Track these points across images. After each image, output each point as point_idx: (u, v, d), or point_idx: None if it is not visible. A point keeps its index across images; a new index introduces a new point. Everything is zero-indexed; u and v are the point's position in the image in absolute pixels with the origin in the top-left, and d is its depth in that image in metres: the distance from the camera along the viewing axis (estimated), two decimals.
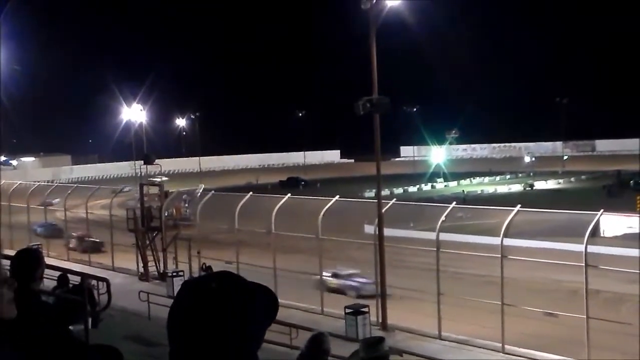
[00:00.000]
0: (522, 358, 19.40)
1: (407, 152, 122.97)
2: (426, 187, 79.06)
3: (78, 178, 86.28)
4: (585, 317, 18.75)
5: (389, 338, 19.48)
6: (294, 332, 19.34)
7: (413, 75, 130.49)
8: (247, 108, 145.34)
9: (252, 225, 29.86)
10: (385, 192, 48.21)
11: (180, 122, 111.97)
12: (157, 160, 37.78)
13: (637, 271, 23.04)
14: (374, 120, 23.87)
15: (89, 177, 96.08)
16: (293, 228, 28.42)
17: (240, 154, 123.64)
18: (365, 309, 21.91)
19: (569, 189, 73.40)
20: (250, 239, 30.60)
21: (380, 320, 22.75)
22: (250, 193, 30.00)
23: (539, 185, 77.26)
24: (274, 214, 27.12)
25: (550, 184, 78.79)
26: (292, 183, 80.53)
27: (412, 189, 76.54)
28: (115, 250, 33.61)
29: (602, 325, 19.23)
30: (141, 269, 31.52)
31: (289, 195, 28.45)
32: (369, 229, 26.24)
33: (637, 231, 34.69)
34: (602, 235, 33.22)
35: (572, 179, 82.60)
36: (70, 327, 7.61)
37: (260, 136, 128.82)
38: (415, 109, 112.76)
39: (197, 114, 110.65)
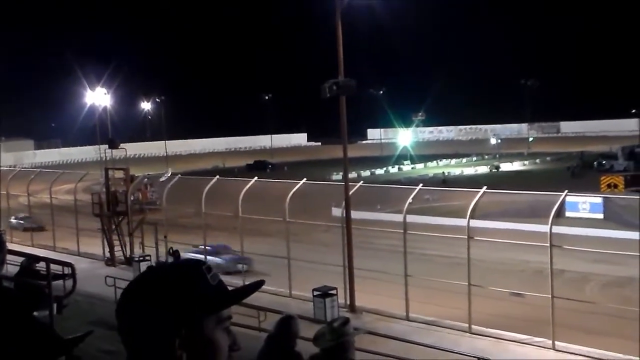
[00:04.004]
0: (488, 338, 19.59)
1: (374, 134, 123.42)
2: (393, 170, 79.39)
3: (41, 163, 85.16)
4: (550, 296, 18.97)
5: (356, 320, 19.58)
6: (262, 315, 19.32)
7: (379, 58, 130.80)
8: (214, 91, 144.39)
9: (219, 209, 29.73)
10: (352, 174, 48.30)
11: (146, 105, 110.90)
12: (122, 145, 37.45)
13: (600, 251, 23.51)
14: (340, 102, 23.82)
15: (52, 161, 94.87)
16: (260, 211, 28.32)
17: (206, 137, 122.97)
18: (334, 292, 21.98)
19: (534, 171, 74.23)
20: (218, 223, 30.47)
21: (348, 303, 22.83)
22: (217, 177, 29.81)
23: (505, 166, 77.98)
24: (241, 197, 27.02)
25: (516, 166, 79.59)
26: (259, 166, 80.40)
27: (380, 171, 76.89)
28: (80, 235, 33.25)
29: (567, 304, 19.49)
30: (107, 254, 31.26)
31: (255, 178, 28.34)
32: (337, 211, 26.27)
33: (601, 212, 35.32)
34: (566, 215, 33.62)
35: (537, 161, 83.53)
36: (35, 313, 7.48)
37: (227, 119, 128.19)
38: (381, 92, 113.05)
39: (162, 97, 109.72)
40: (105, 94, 64.71)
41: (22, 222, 39.51)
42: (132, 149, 74.51)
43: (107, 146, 37.84)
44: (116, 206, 31.76)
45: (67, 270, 17.29)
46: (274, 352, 6.62)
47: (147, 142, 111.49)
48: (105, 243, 31.52)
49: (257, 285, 1.77)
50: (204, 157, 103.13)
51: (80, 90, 70.82)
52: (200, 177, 37.56)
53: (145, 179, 34.85)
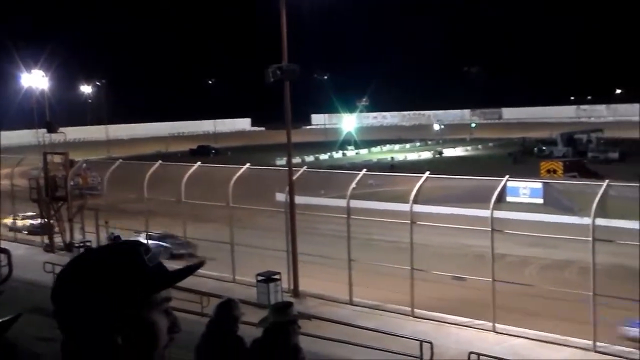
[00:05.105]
0: (431, 321, 19.81)
1: (318, 120, 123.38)
2: (337, 155, 79.56)
3: None
4: (491, 280, 19.26)
5: (300, 304, 19.58)
6: (205, 300, 19.19)
7: (324, 43, 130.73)
8: (156, 76, 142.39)
9: (161, 194, 29.34)
10: (296, 159, 48.23)
11: (86, 89, 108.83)
12: (61, 129, 36.71)
13: (540, 235, 23.97)
14: (284, 87, 23.71)
15: None
16: (203, 196, 28.07)
17: (149, 122, 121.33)
18: (277, 277, 21.94)
19: (477, 156, 75.14)
20: (160, 208, 30.09)
21: (291, 287, 22.83)
22: (160, 161, 29.43)
23: (448, 152, 78.79)
24: (183, 182, 26.73)
25: (459, 151, 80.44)
26: (203, 151, 79.63)
27: (324, 156, 76.88)
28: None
29: (507, 288, 19.81)
30: (46, 240, 30.66)
31: (199, 163, 28.06)
32: (281, 196, 26.17)
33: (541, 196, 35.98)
34: (507, 200, 34.15)
35: (480, 146, 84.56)
36: None
37: (170, 104, 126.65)
38: (326, 77, 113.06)
39: (103, 81, 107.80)
40: (42, 76, 63.29)
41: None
42: (72, 133, 73.20)
43: (45, 130, 37.00)
44: (55, 191, 31.13)
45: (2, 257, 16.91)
46: (215, 337, 6.55)
47: (87, 127, 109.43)
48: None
49: (196, 267, 1.74)
50: (147, 141, 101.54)
51: (16, 72, 69.12)
52: (142, 162, 37.03)
53: (84, 164, 34.22)
